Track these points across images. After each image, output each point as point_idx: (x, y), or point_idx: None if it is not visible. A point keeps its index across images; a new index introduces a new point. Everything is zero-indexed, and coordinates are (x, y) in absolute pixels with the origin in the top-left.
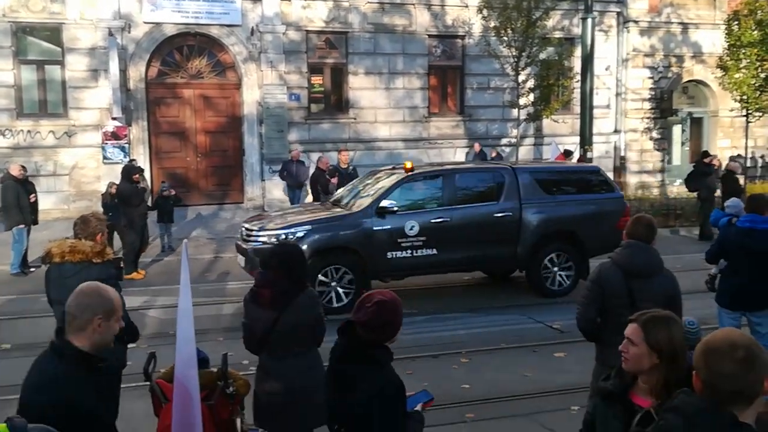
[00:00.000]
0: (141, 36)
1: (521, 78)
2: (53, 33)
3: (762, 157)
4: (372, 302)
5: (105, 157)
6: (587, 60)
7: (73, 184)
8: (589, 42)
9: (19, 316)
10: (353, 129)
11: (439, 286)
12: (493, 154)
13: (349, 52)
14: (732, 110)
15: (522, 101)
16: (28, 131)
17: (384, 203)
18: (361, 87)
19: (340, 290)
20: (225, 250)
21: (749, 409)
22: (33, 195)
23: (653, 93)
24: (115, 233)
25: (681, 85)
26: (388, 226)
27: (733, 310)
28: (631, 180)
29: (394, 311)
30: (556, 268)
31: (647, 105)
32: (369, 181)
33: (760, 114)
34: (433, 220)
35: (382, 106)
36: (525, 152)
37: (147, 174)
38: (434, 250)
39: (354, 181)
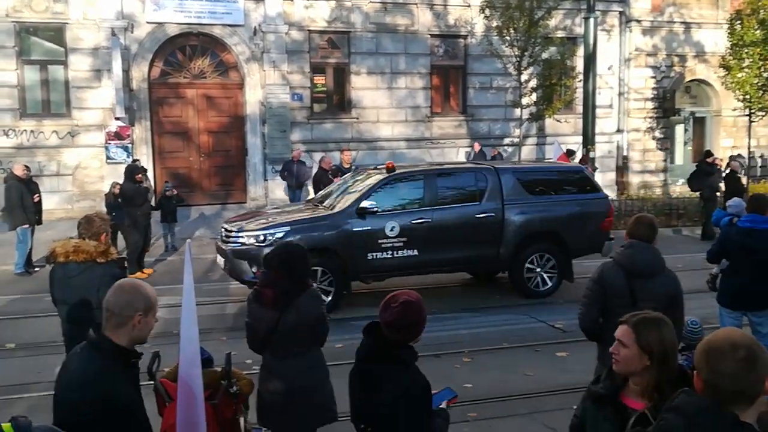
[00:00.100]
0: (144, 36)
1: (524, 78)
2: (56, 33)
3: (761, 156)
4: (398, 302)
5: (108, 157)
6: (590, 59)
7: (76, 184)
8: (591, 41)
9: (23, 315)
10: (356, 129)
11: (440, 286)
12: (494, 154)
13: (351, 52)
14: (735, 110)
15: (524, 101)
16: (32, 131)
17: (364, 204)
18: (364, 87)
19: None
20: None
21: (750, 408)
22: (37, 195)
23: (656, 92)
24: (119, 233)
25: (684, 84)
26: (369, 227)
27: (734, 309)
28: (634, 179)
29: (419, 311)
30: (539, 269)
31: (650, 104)
32: (352, 181)
33: (763, 113)
34: (414, 221)
35: (384, 106)
36: (527, 152)
37: (150, 174)
38: (415, 251)
39: (339, 180)
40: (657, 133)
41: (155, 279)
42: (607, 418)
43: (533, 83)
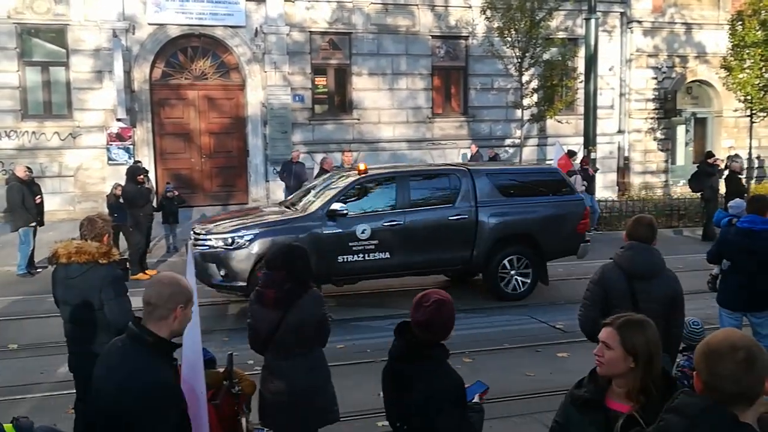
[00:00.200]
0: (145, 37)
1: (525, 78)
2: (58, 34)
3: (758, 157)
4: (430, 302)
5: (110, 159)
6: (591, 60)
7: (78, 185)
8: (592, 42)
9: (25, 316)
10: (357, 130)
11: (441, 287)
12: (491, 155)
13: (352, 53)
14: (736, 110)
15: (525, 102)
16: (33, 132)
17: (335, 206)
18: (365, 88)
19: None
20: None
21: (750, 409)
22: (39, 196)
23: (657, 93)
24: (121, 234)
25: (685, 85)
26: (339, 230)
27: (734, 310)
28: (635, 180)
29: (451, 309)
30: (513, 272)
31: (651, 105)
32: (325, 183)
33: (764, 114)
34: (385, 224)
35: (385, 107)
36: (528, 153)
37: (151, 175)
38: (387, 254)
39: (313, 182)
40: (658, 134)
41: None
42: (593, 422)
43: (534, 84)
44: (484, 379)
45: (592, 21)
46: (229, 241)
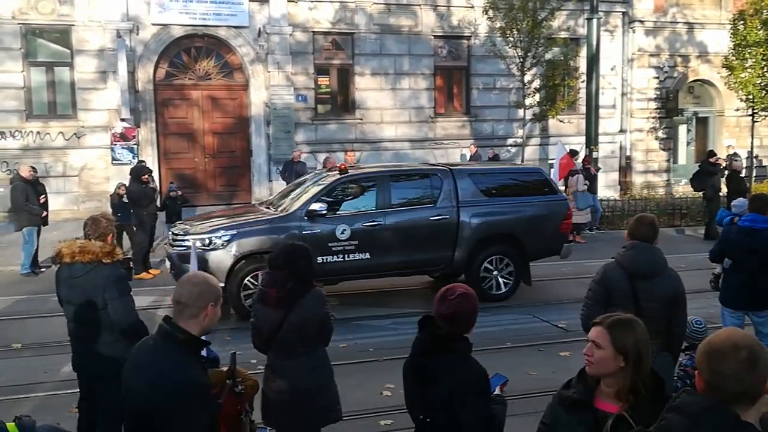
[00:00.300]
0: (149, 38)
1: (527, 78)
2: (62, 35)
3: (756, 156)
4: (455, 295)
5: (114, 158)
6: (593, 60)
7: (82, 185)
8: (594, 42)
9: (29, 315)
10: (360, 129)
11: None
12: (490, 155)
13: (355, 53)
14: (738, 110)
15: (528, 101)
16: (38, 132)
17: (314, 206)
18: (368, 88)
19: None
20: None
21: (752, 408)
22: (43, 196)
23: (659, 93)
24: (125, 233)
25: (686, 84)
26: (318, 230)
27: (736, 309)
28: (637, 179)
29: (474, 303)
30: (495, 272)
31: (653, 105)
32: (307, 183)
33: (766, 114)
34: (365, 224)
35: (388, 107)
36: (530, 152)
37: (155, 175)
38: (367, 254)
39: (295, 182)
40: (660, 133)
41: (160, 280)
42: (582, 422)
43: (536, 84)
44: None
45: (594, 21)
46: (207, 241)
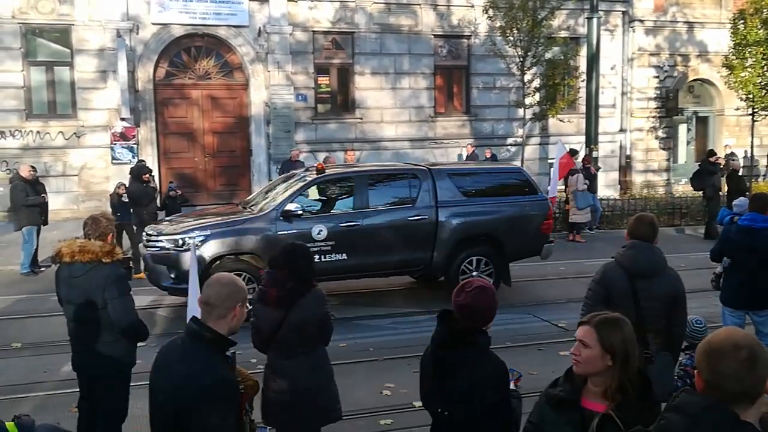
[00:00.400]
0: (149, 37)
1: (527, 77)
2: (62, 34)
3: (752, 156)
4: (472, 287)
5: (114, 158)
6: (593, 59)
7: (82, 184)
8: (594, 41)
9: (29, 315)
10: (359, 129)
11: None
12: (487, 155)
13: (355, 53)
14: (738, 109)
15: (528, 101)
16: (38, 132)
17: (290, 206)
18: (368, 87)
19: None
20: None
21: (752, 408)
22: (43, 195)
23: (659, 92)
24: (124, 233)
25: (686, 84)
26: (294, 231)
27: (736, 308)
28: (637, 179)
29: (492, 296)
30: (475, 273)
31: (653, 104)
32: (284, 183)
33: (766, 113)
34: (342, 225)
35: (388, 106)
36: (530, 152)
37: (155, 174)
38: (344, 255)
39: (273, 181)
40: (660, 133)
41: None
42: (569, 422)
43: (536, 83)
44: None
45: (594, 20)
46: (180, 242)
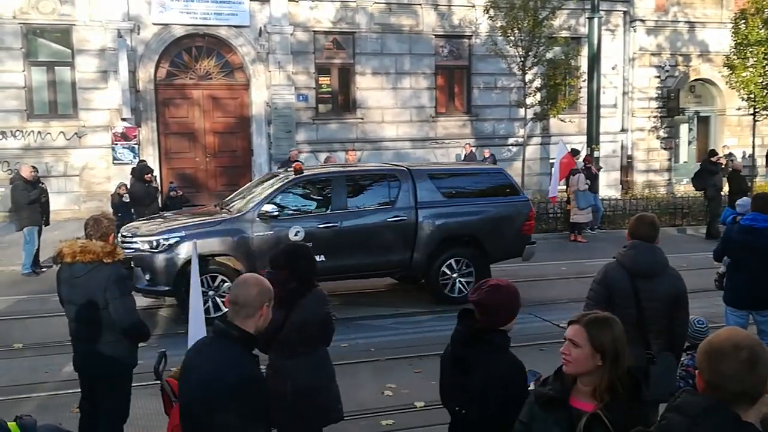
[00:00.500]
0: (150, 37)
1: (528, 77)
2: (63, 35)
3: (750, 156)
4: (488, 285)
5: (115, 158)
6: (594, 59)
7: (83, 184)
8: (595, 41)
9: (30, 315)
10: (360, 129)
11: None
12: (486, 155)
13: (356, 53)
14: (739, 109)
15: (529, 101)
16: (39, 132)
17: (266, 207)
18: (369, 87)
19: (219, 299)
20: None
21: (753, 408)
22: (44, 196)
23: (660, 92)
24: None
25: (688, 83)
26: (270, 232)
27: (739, 308)
28: (638, 179)
29: (509, 295)
30: (455, 275)
31: (654, 104)
32: (261, 183)
33: (767, 113)
34: (320, 226)
35: (389, 106)
36: (531, 151)
37: (156, 174)
38: (321, 256)
39: (252, 182)
40: (661, 133)
41: None
42: (557, 421)
43: (537, 83)
44: None
45: (595, 20)
46: (154, 243)
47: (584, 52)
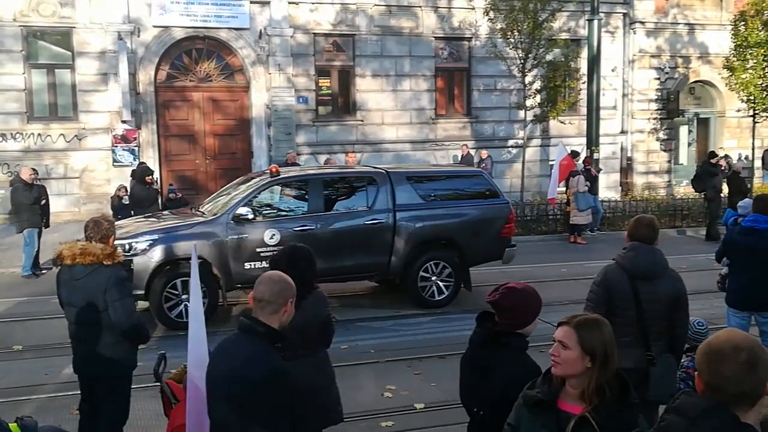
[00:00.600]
0: (150, 40)
1: (528, 79)
2: (63, 37)
3: (746, 158)
4: (505, 287)
5: (115, 160)
6: (594, 61)
7: (83, 187)
8: (595, 43)
9: (30, 317)
10: (360, 131)
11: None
12: (483, 155)
13: (356, 55)
14: (739, 111)
15: (529, 103)
16: (39, 134)
17: (240, 210)
18: (369, 89)
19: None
20: None
21: (752, 410)
22: (44, 198)
23: (660, 94)
24: None
25: (687, 85)
26: (245, 235)
27: (741, 310)
28: (638, 180)
29: (525, 299)
30: (434, 278)
31: (654, 106)
32: (236, 186)
33: (767, 114)
34: (296, 229)
35: (389, 108)
36: (531, 153)
37: (156, 176)
38: None
39: (230, 184)
40: (661, 135)
41: None
42: (545, 424)
43: (537, 85)
44: None
45: (595, 22)
46: (126, 247)
47: (584, 54)
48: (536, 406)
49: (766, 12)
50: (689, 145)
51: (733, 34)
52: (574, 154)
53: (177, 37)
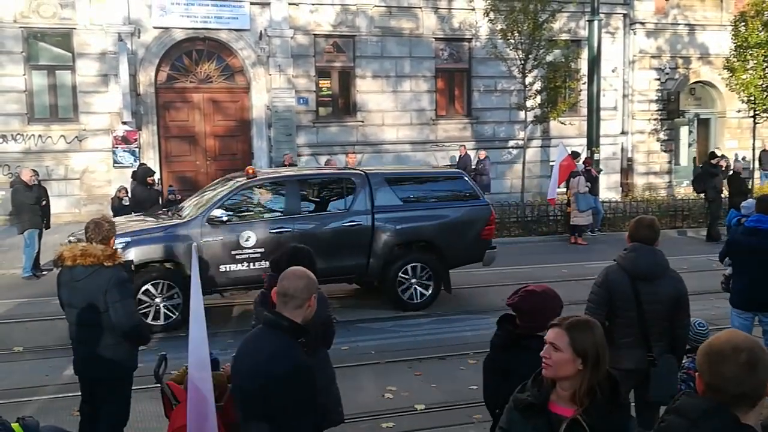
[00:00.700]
0: (150, 41)
1: (528, 80)
2: (64, 38)
3: (744, 158)
4: (524, 290)
5: (115, 161)
6: (594, 62)
7: (84, 188)
8: (595, 44)
9: (31, 319)
10: (361, 132)
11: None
12: (481, 156)
13: (356, 56)
14: (739, 111)
15: (529, 103)
16: (39, 136)
17: (215, 212)
18: (369, 90)
19: (164, 307)
20: None
21: (752, 411)
22: (44, 199)
23: (660, 94)
24: None
25: (688, 86)
26: (220, 238)
27: (744, 310)
28: (639, 181)
29: (544, 301)
30: (413, 280)
31: (654, 106)
32: (212, 187)
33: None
34: (272, 231)
35: (389, 109)
36: (532, 154)
37: (156, 177)
38: None
39: (207, 186)
40: (661, 135)
41: None
42: (537, 427)
43: (538, 86)
44: None
45: (595, 23)
46: None
47: (584, 54)
48: (527, 409)
49: (766, 13)
50: (690, 145)
51: (733, 35)
52: (575, 155)
53: (177, 38)
